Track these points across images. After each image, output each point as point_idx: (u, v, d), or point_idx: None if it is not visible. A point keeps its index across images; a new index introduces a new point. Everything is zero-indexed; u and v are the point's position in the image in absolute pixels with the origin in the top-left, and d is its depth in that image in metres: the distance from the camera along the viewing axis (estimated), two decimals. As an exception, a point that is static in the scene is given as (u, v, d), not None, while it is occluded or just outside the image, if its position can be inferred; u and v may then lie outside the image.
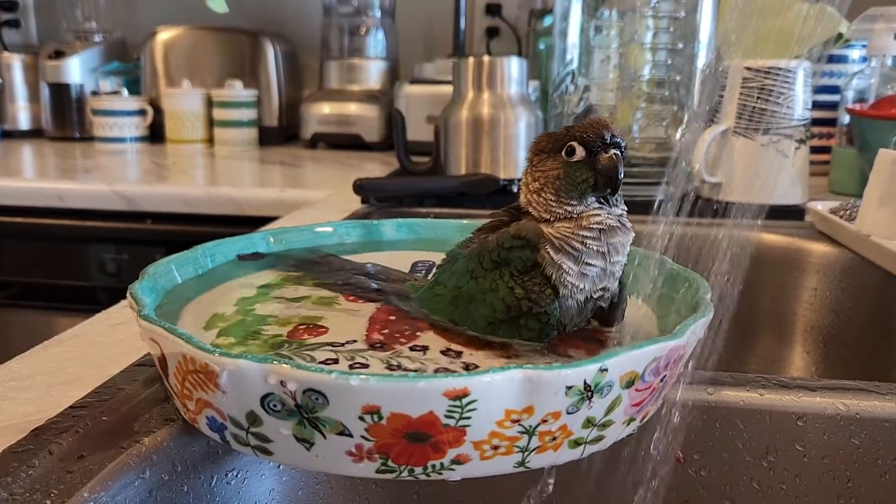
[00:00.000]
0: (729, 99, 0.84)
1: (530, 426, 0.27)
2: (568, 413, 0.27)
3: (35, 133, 1.68)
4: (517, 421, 0.27)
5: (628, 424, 0.30)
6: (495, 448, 0.27)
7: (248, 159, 1.43)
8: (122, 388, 0.36)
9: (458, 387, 0.25)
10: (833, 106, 1.11)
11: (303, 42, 1.71)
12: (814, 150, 0.94)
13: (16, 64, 1.65)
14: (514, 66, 0.91)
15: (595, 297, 0.33)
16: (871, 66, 1.00)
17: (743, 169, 0.83)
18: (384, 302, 0.39)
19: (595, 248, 0.32)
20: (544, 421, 0.27)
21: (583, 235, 0.32)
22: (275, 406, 0.27)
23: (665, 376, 0.30)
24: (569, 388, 0.27)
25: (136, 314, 0.31)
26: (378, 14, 1.60)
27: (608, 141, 0.32)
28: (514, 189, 0.89)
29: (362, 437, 0.26)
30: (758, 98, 0.82)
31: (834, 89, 1.13)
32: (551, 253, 0.32)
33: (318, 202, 0.98)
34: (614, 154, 0.32)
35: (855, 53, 1.15)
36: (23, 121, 1.68)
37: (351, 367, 0.31)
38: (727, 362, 0.39)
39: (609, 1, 0.91)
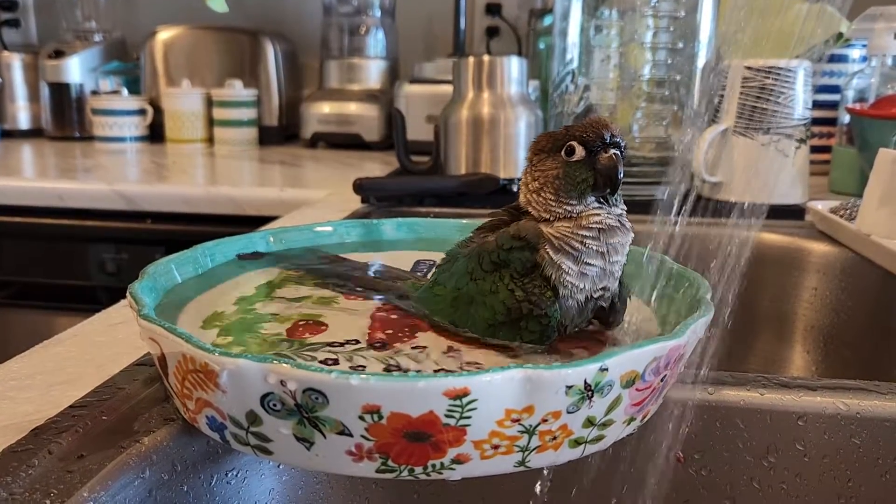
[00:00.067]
0: (729, 98, 0.83)
1: (530, 426, 0.27)
2: (568, 412, 0.27)
3: (35, 133, 1.68)
4: (517, 420, 0.27)
5: (629, 424, 0.30)
6: (495, 447, 0.27)
7: (248, 159, 1.43)
8: (122, 388, 0.36)
9: (459, 386, 0.25)
10: (833, 105, 1.11)
11: (303, 42, 1.71)
12: (814, 149, 0.94)
13: (16, 63, 1.65)
14: (514, 66, 0.91)
15: (595, 296, 0.33)
16: (872, 66, 1.00)
17: (743, 168, 0.83)
18: (384, 301, 0.39)
19: (594, 247, 0.32)
20: (544, 420, 0.27)
21: (582, 235, 0.32)
22: (275, 405, 0.27)
23: (665, 376, 0.30)
24: (569, 387, 0.27)
25: (136, 314, 0.31)
26: (378, 13, 1.60)
27: (608, 140, 0.32)
28: (514, 188, 0.89)
29: (362, 436, 0.26)
30: (758, 97, 0.82)
31: (834, 89, 1.13)
32: (551, 253, 0.32)
33: (317, 202, 0.98)
34: (614, 154, 0.32)
35: (855, 53, 1.15)
36: (23, 120, 1.68)
37: (351, 367, 0.31)
38: (727, 362, 0.39)
39: (609, 0, 0.91)
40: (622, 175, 0.32)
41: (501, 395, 0.26)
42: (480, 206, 0.85)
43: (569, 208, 0.33)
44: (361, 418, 0.26)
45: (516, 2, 1.64)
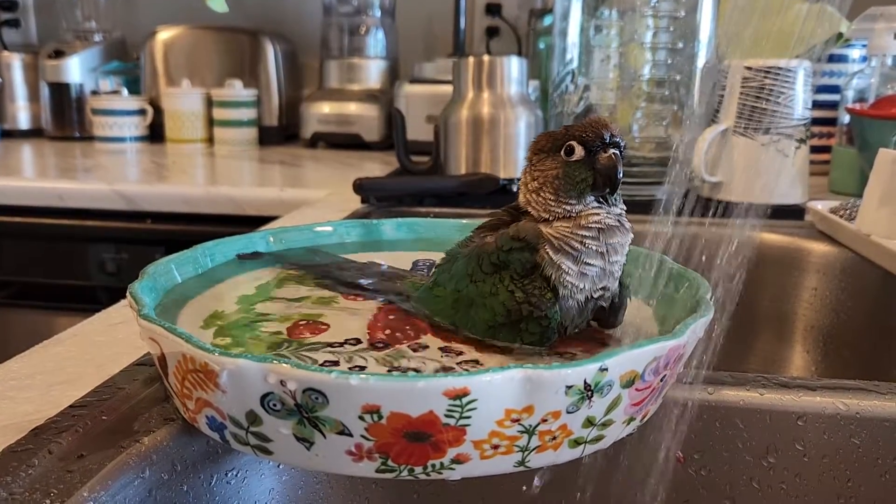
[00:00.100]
0: (729, 98, 0.83)
1: (530, 426, 0.27)
2: (568, 412, 0.27)
3: (35, 132, 1.68)
4: (517, 420, 0.27)
5: (628, 424, 0.30)
6: (495, 447, 0.27)
7: (248, 159, 1.43)
8: (122, 388, 0.36)
9: (458, 386, 0.25)
10: (833, 105, 1.11)
11: (303, 41, 1.71)
12: (814, 149, 0.94)
13: (16, 63, 1.65)
14: (514, 66, 0.91)
15: (595, 297, 0.33)
16: (872, 66, 1.00)
17: (743, 168, 0.83)
18: (384, 301, 0.39)
19: (594, 247, 0.32)
20: (544, 420, 0.27)
21: (581, 235, 0.32)
22: (274, 405, 0.27)
23: (665, 376, 0.30)
24: (569, 387, 0.27)
25: (136, 313, 0.31)
26: (378, 13, 1.60)
27: (607, 140, 0.32)
28: (514, 188, 0.89)
29: (362, 436, 0.26)
30: (758, 97, 0.82)
31: (834, 89, 1.13)
32: (550, 253, 0.32)
33: (317, 202, 0.98)
34: (613, 153, 0.32)
35: (855, 53, 1.15)
36: (23, 120, 1.68)
37: (351, 367, 0.31)
38: (727, 362, 0.39)
39: (609, 0, 0.91)
40: (621, 175, 0.32)
41: (501, 395, 0.26)
42: (480, 206, 0.85)
43: (568, 208, 0.33)
44: (361, 418, 0.26)
45: (516, 2, 1.64)
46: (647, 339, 0.29)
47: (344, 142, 1.52)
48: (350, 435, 0.26)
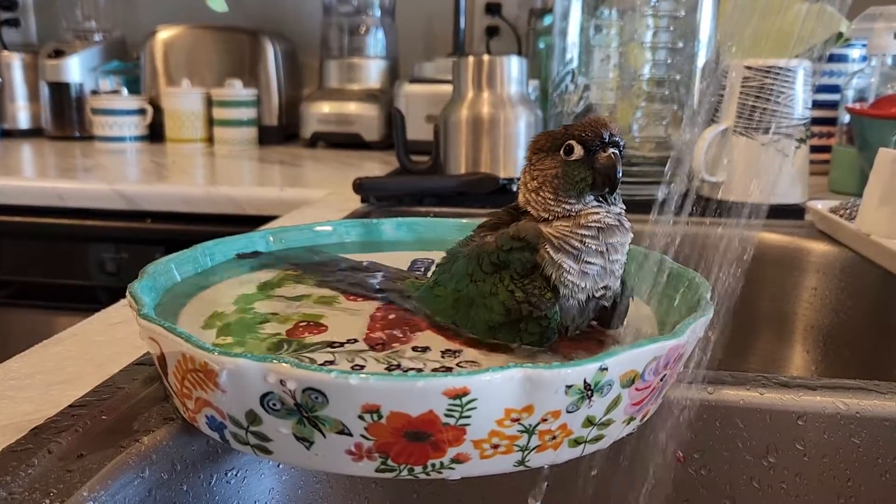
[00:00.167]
0: (729, 98, 0.83)
1: (530, 425, 0.27)
2: (568, 412, 0.27)
3: (35, 132, 1.68)
4: (517, 420, 0.27)
5: (628, 423, 0.30)
6: (495, 447, 0.27)
7: (248, 158, 1.43)
8: (122, 387, 0.36)
9: (458, 386, 0.25)
10: (833, 105, 1.11)
11: (303, 41, 1.71)
12: (814, 149, 0.94)
13: (15, 63, 1.65)
14: (513, 66, 0.91)
15: (597, 295, 0.33)
16: (871, 66, 1.00)
17: (743, 168, 0.83)
18: (385, 301, 0.39)
19: (594, 246, 0.32)
20: (544, 420, 0.27)
21: (581, 234, 0.32)
22: (274, 405, 0.27)
23: (665, 375, 0.30)
24: (569, 387, 0.27)
25: (136, 313, 0.31)
26: (378, 13, 1.59)
27: (607, 140, 0.32)
28: (514, 188, 0.89)
29: (362, 436, 0.26)
30: (758, 97, 0.82)
31: (834, 88, 1.13)
32: (551, 252, 0.32)
33: (317, 201, 0.98)
34: (613, 153, 0.32)
35: (855, 53, 1.14)
36: (22, 120, 1.68)
37: (351, 367, 0.31)
38: (727, 362, 0.39)
39: (609, 0, 0.91)
40: (621, 174, 0.32)
41: (501, 394, 0.26)
42: (480, 206, 0.85)
43: (568, 207, 0.33)
44: (361, 418, 0.26)
45: (516, 1, 1.64)
46: (646, 338, 0.29)
47: (344, 141, 1.52)
48: (350, 434, 0.26)
